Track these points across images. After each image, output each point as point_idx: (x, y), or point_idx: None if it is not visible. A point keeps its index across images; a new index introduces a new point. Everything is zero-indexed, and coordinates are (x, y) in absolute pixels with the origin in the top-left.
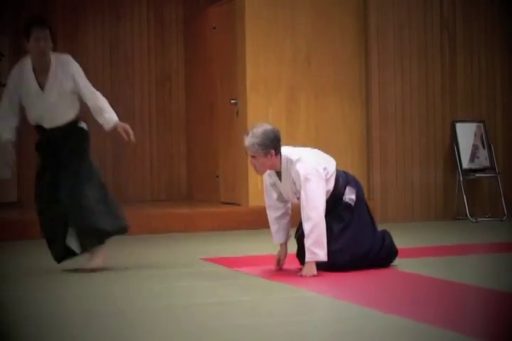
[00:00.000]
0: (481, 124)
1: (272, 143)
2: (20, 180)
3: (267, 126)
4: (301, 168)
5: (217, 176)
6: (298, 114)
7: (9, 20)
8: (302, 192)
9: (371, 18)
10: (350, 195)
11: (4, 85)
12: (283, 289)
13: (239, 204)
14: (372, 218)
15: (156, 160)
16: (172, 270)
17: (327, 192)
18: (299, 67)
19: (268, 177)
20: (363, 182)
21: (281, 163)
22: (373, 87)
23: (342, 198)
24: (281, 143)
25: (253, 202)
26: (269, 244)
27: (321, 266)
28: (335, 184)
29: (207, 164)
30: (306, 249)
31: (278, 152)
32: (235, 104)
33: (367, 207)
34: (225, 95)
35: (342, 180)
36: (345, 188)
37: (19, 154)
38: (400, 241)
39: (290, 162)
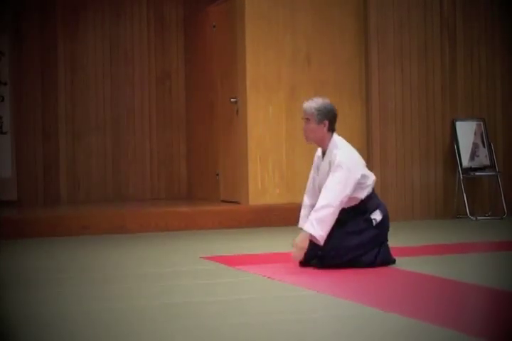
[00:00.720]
0: (481, 123)
1: (329, 115)
2: (20, 179)
3: (329, 101)
4: (341, 155)
5: (217, 174)
6: (298, 112)
7: (9, 20)
8: (330, 177)
9: (371, 18)
10: (376, 216)
11: (5, 84)
12: (282, 287)
13: (239, 203)
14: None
15: (156, 159)
16: (172, 268)
17: (356, 198)
18: (298, 66)
19: (316, 158)
20: None
21: (329, 143)
22: (373, 86)
23: (367, 214)
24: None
25: (253, 201)
26: (270, 242)
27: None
28: (367, 197)
29: (207, 162)
30: (308, 220)
31: (331, 128)
32: (235, 102)
33: (385, 233)
34: (225, 94)
35: (375, 200)
36: (375, 209)
37: (19, 153)
38: (400, 240)
39: (335, 146)
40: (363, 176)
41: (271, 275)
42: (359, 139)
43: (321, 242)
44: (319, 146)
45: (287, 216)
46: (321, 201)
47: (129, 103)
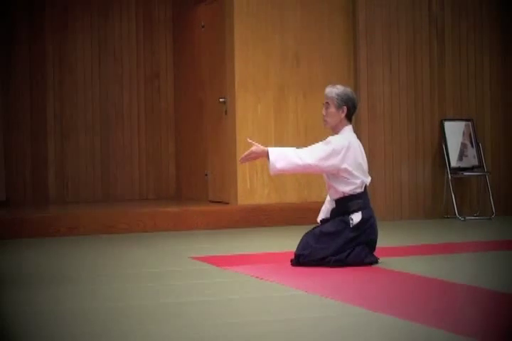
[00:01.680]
0: (470, 123)
1: (349, 102)
2: (8, 179)
3: (350, 90)
4: (337, 138)
5: (206, 175)
6: (287, 112)
7: None
8: (319, 144)
9: (360, 17)
10: (355, 217)
11: None
12: (272, 288)
13: (228, 203)
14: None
15: (144, 159)
16: (161, 269)
17: (337, 190)
18: (287, 65)
19: None
20: None
21: (341, 130)
22: (362, 86)
23: (346, 215)
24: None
25: (242, 201)
26: (258, 242)
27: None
28: (351, 195)
29: (196, 162)
30: (279, 149)
31: (349, 115)
32: (224, 102)
33: (363, 237)
34: (214, 93)
35: (361, 202)
36: (357, 210)
37: (8, 153)
38: (388, 240)
39: (343, 133)
40: (348, 172)
41: (260, 276)
42: None
43: (271, 171)
44: (333, 132)
45: (276, 216)
46: (301, 152)
47: (117, 103)
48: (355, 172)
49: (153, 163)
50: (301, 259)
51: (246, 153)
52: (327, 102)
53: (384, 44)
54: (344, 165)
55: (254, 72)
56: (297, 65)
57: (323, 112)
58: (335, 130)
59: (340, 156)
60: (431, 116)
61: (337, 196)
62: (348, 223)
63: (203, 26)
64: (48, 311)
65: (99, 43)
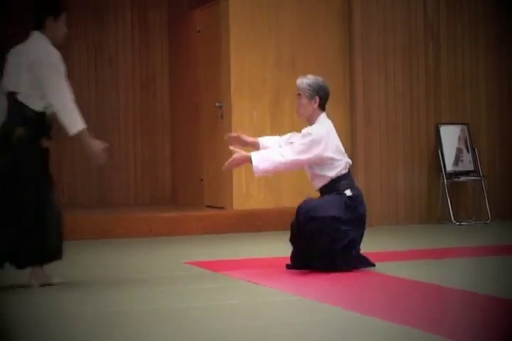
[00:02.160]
0: (465, 127)
1: (320, 91)
2: None
3: (322, 79)
4: (314, 127)
5: (202, 179)
6: (282, 116)
7: None
8: (298, 139)
9: (355, 22)
10: (347, 192)
11: None
12: (267, 292)
13: (223, 208)
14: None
15: (140, 163)
16: (156, 274)
17: (325, 177)
18: (283, 70)
19: None
20: None
21: (316, 120)
22: (357, 90)
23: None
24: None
25: (237, 206)
26: (254, 247)
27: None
28: (338, 177)
29: (191, 167)
30: (260, 151)
31: (322, 106)
32: (220, 107)
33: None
34: (210, 98)
35: (347, 182)
36: (345, 189)
37: None
38: (384, 245)
39: (318, 122)
40: (331, 158)
41: (256, 281)
42: (343, 143)
43: (255, 173)
44: (308, 122)
45: (272, 221)
46: (283, 150)
47: (113, 106)
48: (337, 156)
49: (149, 167)
50: (310, 213)
51: (229, 160)
52: (299, 94)
53: (380, 48)
54: (326, 153)
55: (250, 77)
56: (293, 70)
57: (297, 103)
58: (310, 120)
59: (322, 145)
60: (426, 121)
61: (324, 182)
62: (344, 194)
63: (198, 30)
64: (44, 316)
65: (94, 47)
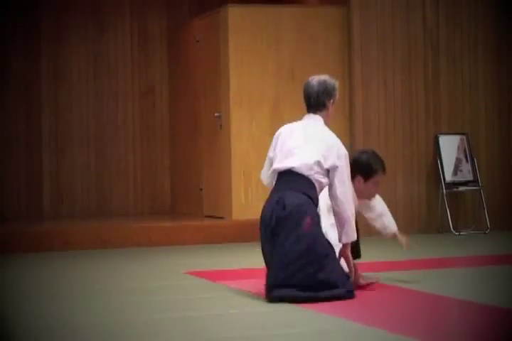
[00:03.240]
0: (464, 137)
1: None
2: (2, 193)
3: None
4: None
5: (201, 189)
6: (281, 126)
7: None
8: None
9: (355, 32)
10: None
11: None
12: (265, 302)
13: (222, 218)
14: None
15: (139, 173)
16: (156, 283)
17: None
18: (282, 81)
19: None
20: None
21: None
22: (357, 101)
23: None
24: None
25: (237, 216)
26: (253, 257)
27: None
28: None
29: (190, 177)
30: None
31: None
32: (219, 117)
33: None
34: (209, 108)
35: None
36: None
37: (2, 167)
38: (382, 255)
39: None
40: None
41: (254, 291)
42: None
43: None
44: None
45: None
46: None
47: (112, 117)
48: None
49: (148, 177)
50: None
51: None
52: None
53: (379, 59)
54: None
55: (249, 87)
56: (292, 80)
57: None
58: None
59: None
60: (426, 131)
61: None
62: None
63: (197, 40)
64: (44, 325)
65: (93, 57)
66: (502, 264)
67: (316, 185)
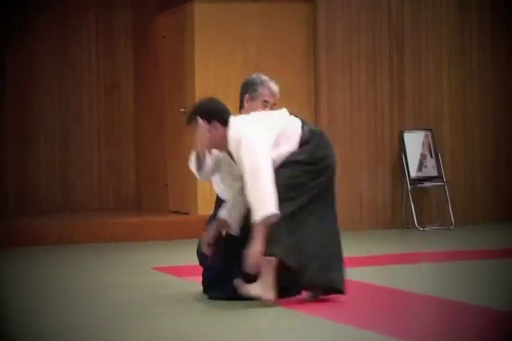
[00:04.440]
0: (429, 133)
1: None
2: None
3: None
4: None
5: (167, 185)
6: None
7: None
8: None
9: (320, 27)
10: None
11: None
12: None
13: (188, 214)
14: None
15: (104, 169)
16: (122, 280)
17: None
18: (248, 75)
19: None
20: None
21: None
22: (322, 96)
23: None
24: None
25: (202, 211)
26: None
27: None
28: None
29: (156, 173)
30: None
31: None
32: (185, 112)
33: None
34: (175, 104)
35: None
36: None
37: None
38: (348, 250)
39: None
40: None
41: None
42: None
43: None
44: None
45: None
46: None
47: (77, 112)
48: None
49: (113, 172)
50: None
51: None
52: (274, 104)
53: (344, 54)
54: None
55: (215, 82)
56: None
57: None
58: None
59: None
60: (390, 127)
61: None
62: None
63: (163, 37)
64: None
65: (59, 53)
66: (465, 259)
67: None
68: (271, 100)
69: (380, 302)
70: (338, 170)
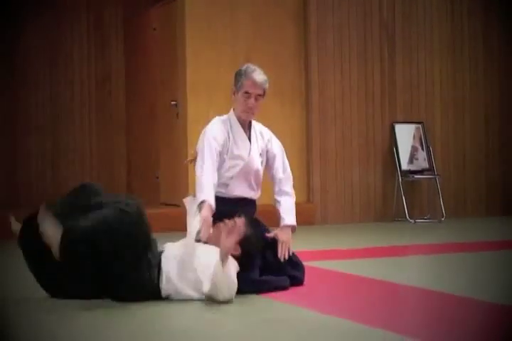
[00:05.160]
0: (420, 126)
1: None
2: None
3: None
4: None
5: (157, 177)
6: None
7: None
8: (284, 161)
9: (311, 21)
10: None
11: None
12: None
13: (179, 206)
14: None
15: (95, 161)
16: None
17: None
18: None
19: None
20: (302, 184)
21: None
22: (313, 89)
23: None
24: None
25: None
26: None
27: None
28: None
29: (147, 165)
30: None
31: None
32: (176, 105)
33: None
34: (166, 97)
35: None
36: None
37: None
38: (339, 243)
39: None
40: None
41: None
42: (299, 141)
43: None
44: (248, 121)
45: None
46: (290, 189)
47: (68, 105)
48: None
49: (104, 165)
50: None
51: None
52: (260, 94)
53: (335, 48)
54: None
55: (206, 75)
56: None
57: (251, 104)
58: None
59: None
60: (382, 119)
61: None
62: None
63: (154, 29)
64: None
65: (50, 46)
66: (456, 252)
67: None
68: (253, 91)
69: (365, 293)
70: (331, 163)
